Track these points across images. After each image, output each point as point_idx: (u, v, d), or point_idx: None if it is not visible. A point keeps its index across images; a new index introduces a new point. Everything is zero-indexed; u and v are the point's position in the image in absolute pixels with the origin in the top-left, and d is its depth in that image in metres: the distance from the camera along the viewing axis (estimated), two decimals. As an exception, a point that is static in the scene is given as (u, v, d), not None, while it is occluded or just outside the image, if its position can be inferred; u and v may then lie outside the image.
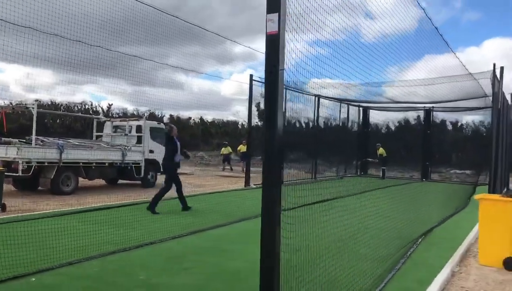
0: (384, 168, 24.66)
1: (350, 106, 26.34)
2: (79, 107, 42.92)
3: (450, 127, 33.36)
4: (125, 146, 15.43)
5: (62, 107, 39.50)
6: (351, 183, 20.43)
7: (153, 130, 16.68)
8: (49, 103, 42.02)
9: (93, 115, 17.69)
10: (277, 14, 2.62)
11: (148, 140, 16.15)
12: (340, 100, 23.96)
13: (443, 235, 8.97)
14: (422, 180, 24.54)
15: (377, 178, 24.34)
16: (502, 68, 13.04)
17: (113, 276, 5.39)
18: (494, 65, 12.79)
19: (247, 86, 19.52)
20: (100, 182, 16.49)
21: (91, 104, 43.87)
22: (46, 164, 12.72)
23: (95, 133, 17.05)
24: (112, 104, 41.56)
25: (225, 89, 18.57)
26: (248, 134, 19.33)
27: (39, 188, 13.45)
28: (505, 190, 7.07)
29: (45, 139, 13.39)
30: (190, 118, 45.36)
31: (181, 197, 10.53)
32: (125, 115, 44.58)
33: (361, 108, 27.71)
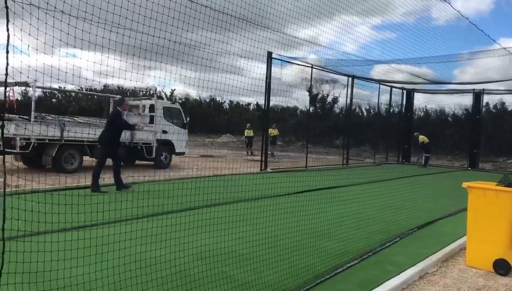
0: (428, 155, 22.71)
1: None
2: (144, 92, 43.86)
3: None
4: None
5: (128, 93, 40.31)
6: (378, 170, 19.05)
7: (166, 110, 16.23)
8: (116, 88, 43.33)
9: (109, 95, 17.41)
10: None
11: (161, 120, 15.68)
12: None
13: (442, 229, 7.71)
14: (467, 169, 22.50)
15: (419, 166, 22.67)
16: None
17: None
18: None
19: (309, 71, 18.78)
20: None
21: (155, 90, 44.76)
22: (47, 141, 12.54)
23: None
24: (174, 89, 41.97)
25: (287, 74, 18.10)
26: (265, 117, 18.27)
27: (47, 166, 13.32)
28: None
29: (47, 116, 13.22)
30: (249, 104, 45.09)
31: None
32: (187, 100, 44.55)
33: (404, 91, 25.91)
